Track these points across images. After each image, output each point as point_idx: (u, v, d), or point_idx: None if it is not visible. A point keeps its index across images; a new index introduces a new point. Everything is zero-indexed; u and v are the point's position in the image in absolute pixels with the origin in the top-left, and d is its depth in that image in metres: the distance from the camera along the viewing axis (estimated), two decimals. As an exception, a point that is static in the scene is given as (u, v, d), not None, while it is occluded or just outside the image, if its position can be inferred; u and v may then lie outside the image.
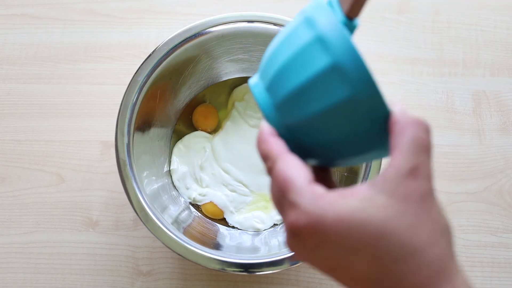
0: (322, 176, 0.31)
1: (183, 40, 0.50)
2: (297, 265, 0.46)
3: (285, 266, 0.46)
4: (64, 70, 0.63)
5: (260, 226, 0.57)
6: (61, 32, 0.65)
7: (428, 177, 0.25)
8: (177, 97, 0.57)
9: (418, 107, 0.62)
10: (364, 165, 0.49)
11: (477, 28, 0.65)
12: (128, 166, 0.47)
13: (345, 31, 0.26)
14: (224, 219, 0.57)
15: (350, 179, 0.51)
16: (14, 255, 0.57)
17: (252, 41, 0.53)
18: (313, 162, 0.31)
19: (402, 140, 0.25)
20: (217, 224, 0.57)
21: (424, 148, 0.25)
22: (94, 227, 0.58)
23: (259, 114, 0.59)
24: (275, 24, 0.51)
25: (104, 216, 0.58)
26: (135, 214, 0.47)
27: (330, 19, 0.27)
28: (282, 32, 0.30)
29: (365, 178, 0.48)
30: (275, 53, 0.30)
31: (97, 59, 0.63)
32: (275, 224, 0.57)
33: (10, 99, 0.62)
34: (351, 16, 0.29)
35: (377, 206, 0.24)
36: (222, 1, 0.66)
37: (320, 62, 0.27)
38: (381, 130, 0.27)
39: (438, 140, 0.61)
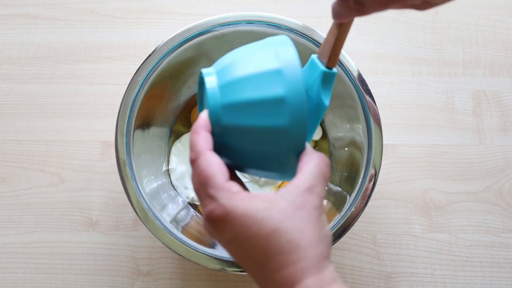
0: (236, 177, 0.37)
1: (183, 40, 0.50)
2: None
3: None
4: (64, 70, 0.63)
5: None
6: (61, 32, 0.65)
7: (320, 196, 0.32)
8: (177, 97, 0.57)
9: (418, 107, 0.62)
10: (364, 166, 0.49)
11: (477, 28, 0.65)
12: (128, 166, 0.47)
13: (300, 73, 0.33)
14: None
15: (350, 179, 0.51)
16: (14, 255, 0.57)
17: (252, 41, 0.52)
18: (229, 163, 0.36)
19: (307, 166, 0.32)
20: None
21: (322, 175, 0.33)
22: (94, 227, 0.58)
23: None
24: (275, 24, 0.51)
25: (104, 216, 0.58)
26: (135, 214, 0.47)
27: (295, 61, 0.33)
28: (249, 49, 0.36)
29: (364, 178, 0.48)
30: (240, 63, 0.34)
31: (97, 59, 0.63)
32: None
33: (10, 99, 0.62)
34: (329, 67, 0.36)
35: (277, 209, 0.31)
36: (222, 1, 0.66)
37: (273, 90, 0.32)
38: (292, 158, 0.33)
39: (438, 140, 0.61)
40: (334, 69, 0.37)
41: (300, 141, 0.33)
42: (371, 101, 0.49)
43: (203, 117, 0.34)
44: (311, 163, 0.33)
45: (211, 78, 0.35)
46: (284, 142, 0.33)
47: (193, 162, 0.33)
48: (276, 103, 0.32)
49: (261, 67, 0.33)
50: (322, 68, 0.37)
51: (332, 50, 0.36)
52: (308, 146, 0.34)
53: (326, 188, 0.34)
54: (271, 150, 0.34)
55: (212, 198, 0.31)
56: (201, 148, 0.33)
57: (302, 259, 0.30)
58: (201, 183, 0.32)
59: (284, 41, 0.35)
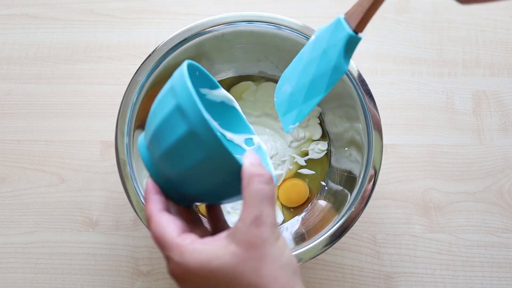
0: (213, 214, 0.38)
1: (183, 40, 0.50)
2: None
3: (285, 266, 0.46)
4: (64, 70, 0.63)
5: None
6: (61, 32, 0.65)
7: (268, 224, 0.31)
8: (177, 97, 0.57)
9: (418, 107, 0.62)
10: (364, 166, 0.49)
11: (477, 28, 0.65)
12: (128, 166, 0.47)
13: (198, 100, 0.31)
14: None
15: (350, 179, 0.51)
16: (14, 255, 0.57)
17: (252, 41, 0.53)
18: (198, 202, 0.37)
19: (247, 194, 0.31)
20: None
21: (264, 197, 0.31)
22: (94, 227, 0.58)
23: (257, 112, 0.59)
24: (275, 24, 0.51)
25: (104, 216, 0.58)
26: (135, 214, 0.47)
27: (186, 90, 0.32)
28: (158, 96, 0.35)
29: (364, 178, 0.48)
30: (151, 116, 0.35)
31: (97, 59, 0.63)
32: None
33: (10, 99, 0.62)
34: (357, 31, 0.35)
35: (229, 253, 0.31)
36: (222, 1, 0.66)
37: (180, 128, 0.32)
38: (239, 179, 0.32)
39: (438, 140, 0.61)
40: (360, 35, 0.36)
41: (229, 161, 0.32)
42: (371, 101, 0.49)
43: (147, 183, 0.35)
44: (249, 189, 0.31)
45: (140, 141, 0.36)
46: (217, 168, 0.32)
47: (148, 224, 0.34)
48: (186, 139, 0.32)
49: (164, 110, 0.33)
50: (349, 31, 0.35)
51: (364, 15, 0.35)
52: (245, 162, 0.32)
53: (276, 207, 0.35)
54: (215, 180, 0.33)
55: (168, 258, 0.32)
56: (149, 212, 0.34)
57: None
58: (157, 246, 0.33)
59: (178, 71, 0.34)
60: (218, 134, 0.32)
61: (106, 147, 0.60)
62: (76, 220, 0.58)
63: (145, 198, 0.35)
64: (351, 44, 0.37)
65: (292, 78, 0.42)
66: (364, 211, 0.47)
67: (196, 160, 0.32)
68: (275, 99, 0.44)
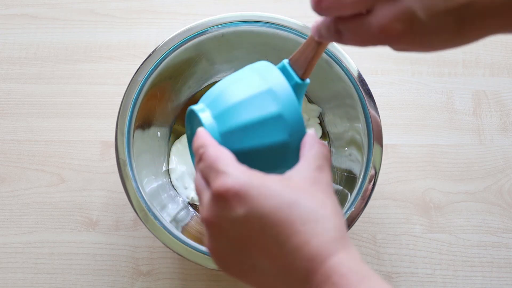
0: None
1: (183, 40, 0.50)
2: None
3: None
4: (64, 70, 0.63)
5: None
6: (61, 32, 0.65)
7: (328, 173, 0.32)
8: (177, 97, 0.57)
9: (418, 107, 0.62)
10: (364, 166, 0.49)
11: (477, 28, 0.65)
12: (128, 166, 0.47)
13: (292, 91, 0.34)
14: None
15: (350, 179, 0.51)
16: (14, 255, 0.57)
17: (252, 41, 0.53)
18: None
19: (310, 152, 0.32)
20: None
21: (325, 157, 0.33)
22: (94, 227, 0.58)
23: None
24: (275, 24, 0.51)
25: (104, 216, 0.58)
26: (135, 214, 0.47)
27: (282, 79, 0.35)
28: (235, 77, 0.37)
29: (364, 178, 0.48)
30: (229, 92, 0.35)
31: (97, 59, 0.63)
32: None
33: (10, 99, 0.62)
34: (303, 78, 0.37)
35: (294, 182, 0.30)
36: (222, 1, 0.66)
37: (269, 108, 0.34)
38: (295, 154, 0.34)
39: (438, 140, 0.61)
40: (307, 80, 0.38)
41: (298, 143, 0.34)
42: (371, 101, 0.49)
43: (200, 129, 0.34)
44: (314, 149, 0.33)
45: (205, 113, 0.36)
46: (288, 152, 0.34)
47: (202, 157, 0.32)
48: (273, 120, 0.33)
49: (251, 90, 0.34)
50: (297, 79, 0.37)
51: (309, 64, 0.37)
52: (309, 132, 0.34)
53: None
54: (277, 159, 0.34)
55: (221, 173, 0.29)
56: (208, 142, 0.32)
57: (328, 229, 0.28)
58: (209, 166, 0.30)
59: (266, 65, 0.37)
60: (304, 122, 0.34)
61: (106, 147, 0.60)
62: (76, 220, 0.58)
63: (197, 137, 0.33)
64: (300, 89, 0.39)
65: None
66: (364, 211, 0.47)
67: (273, 141, 0.34)
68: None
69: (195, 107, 0.37)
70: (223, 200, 0.29)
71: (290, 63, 0.38)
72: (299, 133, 0.34)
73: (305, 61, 0.37)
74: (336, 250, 0.27)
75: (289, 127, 0.33)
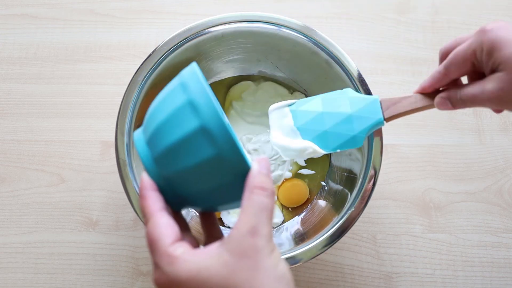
0: (208, 222, 0.37)
1: (183, 40, 0.50)
2: (297, 265, 0.46)
3: (285, 266, 0.46)
4: (64, 70, 0.63)
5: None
6: (61, 32, 0.65)
7: (264, 235, 0.30)
8: (177, 97, 0.57)
9: (418, 107, 0.62)
10: (364, 166, 0.49)
11: (477, 28, 0.65)
12: (128, 166, 0.47)
13: (213, 98, 0.31)
14: (221, 218, 0.57)
15: (350, 179, 0.51)
16: (14, 255, 0.57)
17: (252, 41, 0.53)
18: (192, 208, 0.35)
19: (247, 203, 0.31)
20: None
21: (263, 209, 0.30)
22: (94, 227, 0.58)
23: (257, 112, 0.59)
24: (275, 24, 0.51)
25: (104, 216, 0.58)
26: (135, 214, 0.47)
27: (200, 86, 0.31)
28: (163, 92, 0.34)
29: (364, 178, 0.48)
30: (155, 111, 0.33)
31: (97, 59, 0.63)
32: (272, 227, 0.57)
33: (10, 99, 0.62)
34: (386, 120, 0.41)
35: (221, 263, 0.29)
36: (222, 1, 0.66)
37: (190, 124, 0.31)
38: (242, 183, 0.31)
39: (438, 140, 0.61)
40: (385, 122, 0.42)
41: (239, 163, 0.31)
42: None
43: (144, 178, 0.33)
44: (252, 198, 0.31)
45: (138, 136, 0.34)
46: (224, 169, 0.31)
47: (145, 223, 0.33)
48: (196, 135, 0.30)
49: (172, 105, 0.32)
50: (381, 117, 0.42)
51: (399, 114, 0.41)
52: (254, 167, 0.32)
53: (273, 219, 0.34)
54: (220, 182, 0.32)
55: (156, 265, 0.31)
56: (149, 210, 0.32)
57: None
58: (149, 248, 0.32)
59: (190, 73, 0.33)
60: (232, 132, 0.31)
61: (106, 147, 0.60)
62: (76, 220, 0.58)
63: (140, 194, 0.33)
64: (376, 126, 0.42)
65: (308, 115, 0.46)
66: (364, 211, 0.47)
67: (203, 157, 0.31)
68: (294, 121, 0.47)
69: (135, 134, 0.35)
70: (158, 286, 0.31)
71: (381, 102, 0.42)
72: (229, 144, 0.30)
73: (397, 111, 0.41)
74: None
75: (215, 138, 0.30)
